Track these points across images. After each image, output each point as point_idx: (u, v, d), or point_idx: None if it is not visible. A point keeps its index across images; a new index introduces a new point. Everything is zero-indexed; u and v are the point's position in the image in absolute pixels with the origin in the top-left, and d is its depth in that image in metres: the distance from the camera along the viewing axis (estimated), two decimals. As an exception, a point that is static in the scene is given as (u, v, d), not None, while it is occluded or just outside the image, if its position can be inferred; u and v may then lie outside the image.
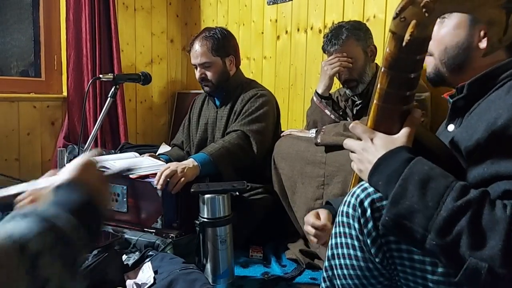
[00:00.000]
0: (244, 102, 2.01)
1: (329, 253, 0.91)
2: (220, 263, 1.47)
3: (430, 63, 0.98)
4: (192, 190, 1.50)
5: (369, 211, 0.82)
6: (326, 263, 0.92)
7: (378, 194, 0.82)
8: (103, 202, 0.68)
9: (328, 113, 1.92)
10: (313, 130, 1.83)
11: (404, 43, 0.74)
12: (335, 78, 1.94)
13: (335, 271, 0.90)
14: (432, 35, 0.93)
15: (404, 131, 0.84)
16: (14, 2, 2.90)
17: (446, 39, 0.92)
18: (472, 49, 0.90)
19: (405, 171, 0.75)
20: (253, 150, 1.89)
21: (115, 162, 1.77)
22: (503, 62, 0.86)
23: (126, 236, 1.56)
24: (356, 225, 0.84)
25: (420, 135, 0.86)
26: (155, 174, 1.64)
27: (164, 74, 3.45)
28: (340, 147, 1.59)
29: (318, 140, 1.68)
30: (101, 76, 1.87)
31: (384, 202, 0.80)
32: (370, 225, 0.82)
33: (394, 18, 0.75)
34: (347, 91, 1.98)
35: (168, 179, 1.61)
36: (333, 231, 0.91)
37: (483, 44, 0.87)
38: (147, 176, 1.68)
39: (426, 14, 0.70)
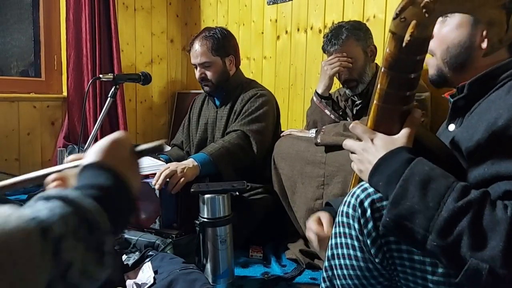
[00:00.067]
0: (244, 102, 2.01)
1: (329, 253, 0.91)
2: (220, 263, 1.47)
3: (432, 65, 0.98)
4: (192, 190, 1.50)
5: (369, 211, 0.82)
6: (326, 263, 0.92)
7: (378, 195, 0.82)
8: (131, 183, 0.63)
9: (328, 113, 1.93)
10: (313, 130, 1.83)
11: (404, 44, 0.74)
12: (335, 78, 1.94)
13: (335, 271, 0.90)
14: (434, 34, 0.93)
15: (404, 131, 0.84)
16: (14, 2, 2.90)
17: (448, 38, 0.92)
18: (474, 49, 0.89)
19: (406, 171, 0.75)
20: (253, 150, 1.89)
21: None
22: (504, 62, 0.86)
23: (126, 236, 1.57)
24: (356, 226, 0.84)
25: (420, 135, 0.86)
26: (155, 174, 1.64)
27: (164, 74, 3.45)
28: (340, 147, 1.58)
29: (318, 140, 1.68)
30: (101, 76, 1.87)
31: (384, 203, 0.80)
32: (370, 225, 0.82)
33: (394, 19, 0.75)
34: (347, 91, 1.98)
35: (168, 179, 1.61)
36: (333, 231, 0.91)
37: (485, 43, 0.87)
38: (147, 176, 1.68)
39: (426, 15, 0.70)
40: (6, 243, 0.42)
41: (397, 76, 0.81)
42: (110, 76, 1.84)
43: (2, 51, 2.87)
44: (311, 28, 2.58)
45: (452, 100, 0.93)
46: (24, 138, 2.79)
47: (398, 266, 0.83)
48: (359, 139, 0.89)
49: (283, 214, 1.87)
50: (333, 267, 0.90)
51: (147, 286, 1.28)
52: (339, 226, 0.88)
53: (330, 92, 2.00)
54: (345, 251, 0.87)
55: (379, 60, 1.96)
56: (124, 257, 1.46)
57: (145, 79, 1.95)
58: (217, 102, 2.12)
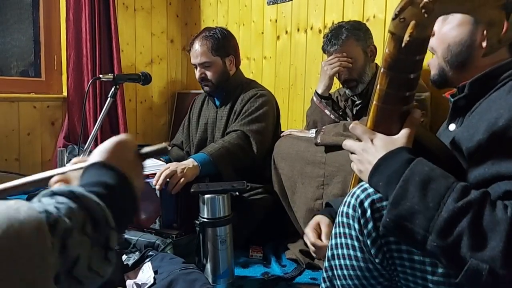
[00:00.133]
0: (244, 102, 2.01)
1: (329, 254, 0.91)
2: (220, 263, 1.47)
3: (433, 65, 0.98)
4: (192, 190, 1.50)
5: (369, 211, 0.82)
6: (326, 264, 0.92)
7: (378, 195, 0.82)
8: (134, 183, 0.65)
9: (328, 113, 1.93)
10: (313, 130, 1.83)
11: (403, 44, 0.74)
12: (335, 78, 1.95)
13: (335, 272, 0.90)
14: (435, 32, 0.93)
15: (404, 131, 0.84)
16: (14, 2, 2.90)
17: (449, 36, 0.92)
18: (474, 48, 0.89)
19: (406, 172, 0.75)
20: (253, 150, 1.89)
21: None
22: (505, 61, 0.86)
23: (126, 236, 1.57)
24: (356, 226, 0.84)
25: (420, 136, 0.86)
26: (155, 174, 1.64)
27: (164, 74, 3.45)
28: (340, 147, 1.58)
29: (318, 140, 1.68)
30: (101, 76, 1.87)
31: (384, 203, 0.80)
32: (370, 225, 0.82)
33: (393, 19, 0.75)
34: (347, 91, 1.98)
35: (168, 179, 1.61)
36: (333, 232, 0.91)
37: (485, 42, 0.87)
38: (147, 176, 1.68)
39: (426, 15, 0.70)
40: (18, 232, 0.43)
41: (397, 76, 0.81)
42: (110, 76, 1.84)
43: (2, 51, 2.87)
44: (311, 28, 2.59)
45: (452, 99, 0.93)
46: (24, 138, 2.79)
47: (398, 266, 0.84)
48: (359, 140, 0.89)
49: (283, 214, 1.87)
50: (333, 267, 0.90)
51: (147, 286, 1.28)
52: (339, 227, 0.88)
53: (330, 92, 2.00)
54: (345, 251, 0.87)
55: (379, 60, 1.96)
56: (124, 257, 1.46)
57: (145, 79, 1.95)
58: (217, 102, 2.13)
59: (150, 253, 1.45)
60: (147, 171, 1.70)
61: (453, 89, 0.98)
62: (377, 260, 0.83)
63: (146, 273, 1.32)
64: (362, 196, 0.83)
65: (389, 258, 0.83)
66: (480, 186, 0.75)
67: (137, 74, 1.95)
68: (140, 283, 1.29)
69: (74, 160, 0.72)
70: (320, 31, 2.53)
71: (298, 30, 2.66)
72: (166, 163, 1.89)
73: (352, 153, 0.91)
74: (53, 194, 0.52)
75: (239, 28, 3.04)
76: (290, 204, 1.81)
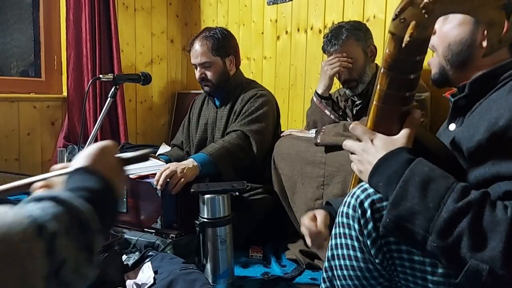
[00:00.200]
0: (244, 102, 2.01)
1: (329, 254, 0.91)
2: (220, 263, 1.47)
3: (434, 64, 0.98)
4: (192, 190, 1.50)
5: (369, 212, 0.82)
6: (326, 264, 0.92)
7: (378, 195, 0.82)
8: (117, 188, 0.67)
9: (328, 113, 1.93)
10: (313, 130, 1.83)
11: (403, 44, 0.74)
12: (335, 78, 1.94)
13: (335, 272, 0.90)
14: (436, 31, 0.93)
15: (404, 132, 0.84)
16: (14, 2, 2.90)
17: (450, 35, 0.92)
18: (475, 47, 0.90)
19: (406, 172, 0.75)
20: (253, 150, 1.89)
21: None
22: (505, 61, 0.87)
23: (126, 236, 1.57)
24: (356, 226, 0.84)
25: (420, 136, 0.86)
26: (155, 174, 1.64)
27: (164, 74, 3.45)
28: (340, 147, 1.58)
29: (318, 140, 1.68)
30: (101, 76, 1.87)
31: (384, 203, 0.80)
32: (370, 226, 0.82)
33: (393, 19, 0.75)
34: (347, 91, 1.98)
35: (168, 179, 1.61)
36: (333, 232, 0.91)
37: (485, 42, 0.87)
38: (147, 176, 1.68)
39: (426, 15, 0.70)
40: (6, 235, 0.43)
41: (397, 77, 0.81)
42: (110, 76, 1.84)
43: (2, 51, 2.87)
44: (311, 28, 2.58)
45: (453, 99, 0.93)
46: (24, 138, 2.79)
47: (398, 267, 0.84)
48: (359, 140, 0.89)
49: (283, 214, 1.87)
50: (333, 267, 0.90)
51: (147, 286, 1.28)
52: (339, 227, 0.88)
53: (330, 92, 2.00)
54: (345, 251, 0.87)
55: (379, 60, 1.96)
56: (124, 257, 1.46)
57: (145, 79, 1.95)
58: (217, 102, 2.12)
59: (150, 253, 1.45)
60: (147, 171, 1.70)
61: (453, 89, 0.98)
62: (377, 261, 0.83)
63: (146, 273, 1.32)
64: (362, 196, 0.83)
65: (389, 259, 0.83)
66: (480, 186, 0.75)
67: (137, 74, 1.95)
68: (140, 283, 1.29)
69: (57, 166, 0.73)
70: (320, 31, 2.53)
71: (298, 30, 2.66)
72: (166, 163, 1.89)
73: (352, 153, 0.91)
74: (39, 199, 0.53)
75: (239, 28, 3.04)
76: (290, 204, 1.81)
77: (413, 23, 0.72)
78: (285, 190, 1.81)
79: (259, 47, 2.92)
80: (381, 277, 0.86)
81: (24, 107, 2.78)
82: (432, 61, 0.99)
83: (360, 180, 0.90)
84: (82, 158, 0.68)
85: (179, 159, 1.99)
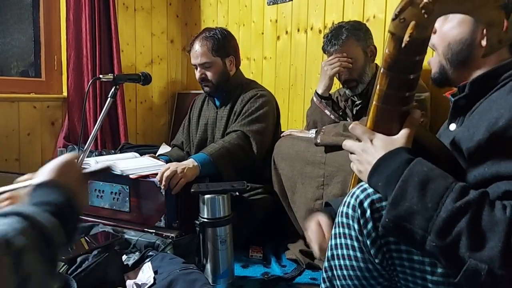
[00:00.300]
0: (244, 102, 2.01)
1: (329, 254, 0.91)
2: (220, 263, 1.47)
3: (434, 64, 0.99)
4: (192, 190, 1.50)
5: (368, 212, 0.82)
6: (326, 264, 0.92)
7: (378, 195, 0.82)
8: (80, 201, 0.70)
9: (328, 113, 1.93)
10: (313, 131, 1.83)
11: (403, 44, 0.74)
12: (335, 78, 1.95)
13: (334, 272, 0.90)
14: (437, 30, 0.93)
15: (404, 132, 0.84)
16: (14, 2, 2.90)
17: (450, 35, 0.93)
18: (475, 46, 0.90)
19: (405, 172, 0.75)
20: (253, 151, 1.89)
21: (115, 162, 1.77)
22: (505, 61, 0.87)
23: (126, 236, 1.57)
24: (356, 226, 0.84)
25: (420, 136, 0.86)
26: (155, 174, 1.64)
27: (164, 74, 3.45)
28: (339, 147, 1.58)
29: (318, 141, 1.68)
30: (101, 76, 1.87)
31: (384, 203, 0.80)
32: (369, 226, 0.82)
33: (393, 19, 0.75)
34: (347, 91, 1.99)
35: (169, 180, 1.61)
36: (332, 232, 0.91)
37: (485, 41, 0.87)
38: (147, 176, 1.68)
39: (426, 15, 0.70)
40: None
41: (397, 77, 0.81)
42: (110, 76, 1.84)
43: (2, 51, 2.87)
44: (311, 29, 2.59)
45: (453, 99, 0.93)
46: (24, 138, 2.79)
47: (397, 267, 0.84)
48: (359, 140, 0.89)
49: (283, 214, 1.87)
50: (333, 267, 0.90)
51: (147, 286, 1.28)
52: (338, 227, 0.88)
53: (330, 92, 2.00)
54: (344, 251, 0.87)
55: (379, 60, 1.97)
56: (124, 257, 1.46)
57: (145, 79, 1.95)
58: (217, 103, 2.13)
59: (150, 253, 1.45)
60: (147, 171, 1.70)
61: (453, 89, 0.98)
62: (376, 260, 0.83)
63: (146, 273, 1.32)
64: (361, 196, 0.83)
65: (388, 258, 0.83)
66: (479, 186, 0.75)
67: (137, 74, 1.95)
68: (140, 283, 1.29)
69: (22, 177, 0.75)
70: (320, 31, 2.53)
71: (298, 30, 2.66)
72: (166, 163, 1.89)
73: (351, 153, 0.91)
74: (5, 214, 0.54)
75: (239, 28, 3.04)
76: (290, 204, 1.81)
77: (412, 23, 0.72)
78: (285, 190, 1.81)
79: (259, 47, 2.92)
80: (381, 277, 0.86)
81: (24, 107, 2.78)
82: (432, 60, 0.99)
83: (360, 180, 0.90)
84: (45, 172, 0.70)
85: (179, 159, 1.99)
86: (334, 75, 1.90)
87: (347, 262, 0.87)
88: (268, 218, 1.91)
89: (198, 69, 2.05)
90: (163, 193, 1.61)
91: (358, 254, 0.85)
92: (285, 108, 2.74)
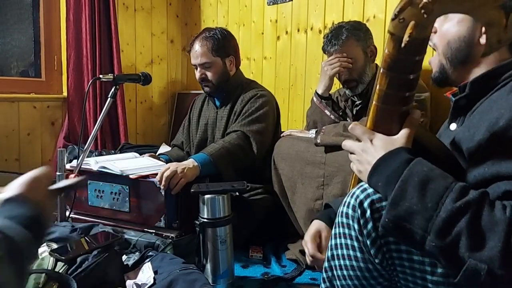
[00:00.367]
0: (244, 102, 2.01)
1: (329, 254, 0.91)
2: (220, 263, 1.47)
3: (434, 63, 0.99)
4: (192, 190, 1.50)
5: (368, 212, 0.82)
6: (326, 264, 0.92)
7: (378, 195, 0.82)
8: (48, 216, 0.73)
9: (328, 113, 1.93)
10: (313, 131, 1.83)
11: (403, 44, 0.74)
12: (335, 78, 1.95)
13: (334, 272, 0.90)
14: (437, 30, 0.93)
15: (404, 132, 0.84)
16: (14, 2, 2.90)
17: (449, 33, 0.93)
18: (474, 44, 0.90)
19: (405, 172, 0.75)
20: (253, 151, 1.89)
21: (115, 162, 1.77)
22: (506, 61, 0.87)
23: (126, 236, 1.57)
24: (356, 226, 0.84)
25: (420, 136, 0.86)
26: (155, 174, 1.64)
27: (164, 74, 3.45)
28: (339, 147, 1.58)
29: (318, 141, 1.68)
30: (101, 76, 1.87)
31: (384, 203, 0.80)
32: (369, 226, 0.82)
33: (392, 19, 0.75)
34: (347, 91, 1.99)
35: (169, 180, 1.61)
36: (332, 232, 0.91)
37: (483, 39, 0.87)
38: (147, 176, 1.68)
39: (425, 15, 0.70)
40: None
41: (396, 77, 0.81)
42: (110, 76, 1.84)
43: (2, 51, 2.87)
44: (311, 29, 2.59)
45: (453, 99, 0.93)
46: (24, 138, 2.79)
47: (397, 267, 0.84)
48: (359, 140, 0.89)
49: (283, 215, 1.87)
50: (333, 267, 0.90)
51: (147, 286, 1.28)
52: (338, 227, 0.88)
53: (330, 92, 2.00)
54: (344, 251, 0.87)
55: (379, 60, 1.97)
56: (124, 257, 1.46)
57: (145, 79, 1.95)
58: (217, 103, 2.13)
59: (150, 253, 1.45)
60: (147, 171, 1.70)
61: (454, 89, 0.98)
62: (376, 261, 0.83)
63: (146, 274, 1.32)
64: (361, 196, 0.83)
65: (388, 258, 0.83)
66: (480, 186, 0.75)
67: (137, 74, 1.95)
68: (140, 283, 1.29)
69: None
70: (320, 31, 2.53)
71: (298, 30, 2.66)
72: (166, 163, 1.89)
73: (351, 153, 0.91)
74: None
75: (239, 28, 3.04)
76: (290, 204, 1.81)
77: (412, 23, 0.72)
78: (285, 190, 1.81)
79: (259, 47, 2.92)
80: (381, 277, 0.86)
81: (24, 107, 2.78)
82: (433, 60, 0.99)
83: (360, 180, 0.90)
84: (14, 187, 0.72)
85: (179, 159, 1.99)
86: (334, 75, 1.90)
87: (347, 262, 0.87)
88: (268, 218, 1.91)
89: (198, 69, 2.05)
90: (163, 193, 1.61)
91: (358, 254, 0.85)
92: (285, 108, 2.74)
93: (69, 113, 2.88)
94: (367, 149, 0.85)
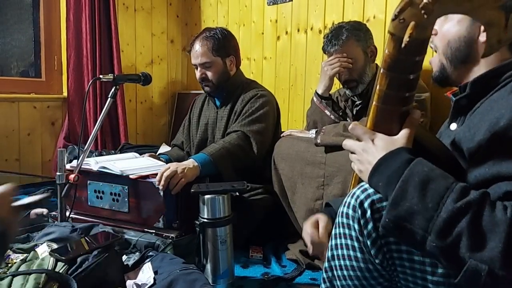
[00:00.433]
0: (244, 102, 2.01)
1: (329, 254, 0.91)
2: (220, 263, 1.47)
3: (435, 63, 0.99)
4: (192, 190, 1.50)
5: (369, 212, 0.82)
6: (326, 264, 0.92)
7: (378, 195, 0.82)
8: (12, 232, 0.75)
9: (328, 113, 1.93)
10: (313, 131, 1.83)
11: (403, 45, 0.74)
12: (335, 78, 1.95)
13: (335, 272, 0.90)
14: (437, 31, 0.94)
15: (404, 132, 0.84)
16: (14, 2, 2.90)
17: (449, 33, 0.93)
18: (473, 43, 0.90)
19: (405, 172, 0.75)
20: (253, 151, 1.89)
21: (115, 162, 1.77)
22: (506, 61, 0.87)
23: (126, 236, 1.57)
24: (356, 226, 0.84)
25: (420, 136, 0.86)
26: (155, 174, 1.64)
27: (164, 74, 3.45)
28: (340, 147, 1.58)
29: (318, 141, 1.68)
30: (101, 76, 1.87)
31: (384, 203, 0.80)
32: (370, 226, 0.82)
33: (393, 20, 0.75)
34: (347, 92, 1.99)
35: (169, 180, 1.61)
36: (333, 232, 0.91)
37: (483, 38, 0.87)
38: (147, 176, 1.68)
39: (425, 16, 0.70)
40: None
41: (396, 77, 0.81)
42: (110, 76, 1.84)
43: (2, 51, 2.87)
44: (311, 29, 2.59)
45: (454, 98, 0.93)
46: (24, 138, 2.79)
47: (398, 267, 0.84)
48: (359, 140, 0.89)
49: (283, 215, 1.87)
50: (333, 268, 0.90)
51: (147, 286, 1.28)
52: (339, 227, 0.88)
53: (330, 92, 2.00)
54: (345, 252, 0.87)
55: (379, 60, 1.97)
56: (124, 257, 1.46)
57: (145, 79, 1.95)
58: (218, 103, 2.13)
59: (150, 253, 1.45)
60: (147, 172, 1.70)
61: (454, 88, 0.98)
62: (377, 261, 0.83)
63: (146, 274, 1.32)
64: (362, 196, 0.83)
65: (389, 259, 0.83)
66: (480, 186, 0.75)
67: (137, 75, 1.95)
68: (140, 283, 1.29)
69: None
70: (320, 31, 2.53)
71: (298, 30, 2.66)
72: (166, 163, 1.89)
73: (352, 153, 0.91)
74: None
75: (239, 28, 3.04)
76: (290, 204, 1.81)
77: (412, 23, 0.72)
78: (285, 190, 1.81)
79: (259, 47, 2.92)
80: (381, 277, 0.86)
81: (24, 107, 2.79)
82: (433, 60, 1.00)
83: (360, 180, 0.90)
84: None
85: (179, 159, 1.99)
86: (334, 75, 1.90)
87: (347, 263, 0.87)
88: (268, 218, 1.91)
89: (199, 69, 2.05)
90: (162, 194, 1.61)
91: (359, 255, 0.85)
92: (285, 108, 2.74)
93: (69, 113, 2.88)
94: (368, 149, 0.85)
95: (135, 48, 3.25)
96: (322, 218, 1.13)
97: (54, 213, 1.78)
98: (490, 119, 0.79)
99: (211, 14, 3.27)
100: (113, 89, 1.81)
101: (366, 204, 0.82)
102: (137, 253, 1.48)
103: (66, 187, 1.64)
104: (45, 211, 1.93)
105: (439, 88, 1.03)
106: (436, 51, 0.98)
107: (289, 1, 2.70)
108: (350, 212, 0.85)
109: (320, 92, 1.96)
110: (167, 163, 1.87)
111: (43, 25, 2.94)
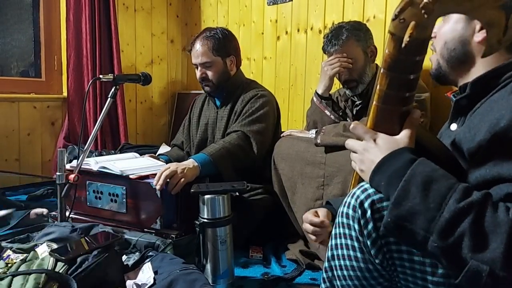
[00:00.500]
0: (244, 102, 2.01)
1: (329, 254, 0.91)
2: (220, 263, 1.47)
3: (433, 60, 0.99)
4: (192, 190, 1.50)
5: (369, 212, 0.81)
6: (326, 264, 0.92)
7: (379, 195, 0.82)
8: None
9: (328, 113, 1.93)
10: (313, 131, 1.83)
11: (403, 45, 0.74)
12: (335, 78, 1.95)
13: (335, 272, 0.90)
14: (436, 33, 0.94)
15: (406, 132, 0.84)
16: (14, 2, 2.90)
17: (446, 34, 0.93)
18: (468, 43, 0.90)
19: (408, 172, 0.75)
20: (253, 151, 1.89)
21: (115, 162, 1.77)
22: (506, 62, 0.86)
23: (126, 236, 1.57)
24: (356, 226, 0.84)
25: (420, 136, 0.86)
26: (155, 174, 1.64)
27: (164, 74, 3.45)
28: (340, 147, 1.59)
29: (318, 141, 1.68)
30: (101, 76, 1.87)
31: (385, 203, 0.80)
32: (370, 226, 0.82)
33: (393, 20, 0.75)
34: (347, 92, 1.99)
35: (168, 180, 1.61)
36: (333, 232, 0.91)
37: (478, 37, 0.87)
38: (147, 176, 1.68)
39: (425, 16, 0.70)
40: None
41: (397, 77, 0.81)
42: (110, 76, 1.84)
43: (2, 51, 2.87)
44: (311, 29, 2.59)
45: (454, 99, 0.93)
46: (24, 138, 2.79)
47: (398, 267, 0.83)
48: (360, 139, 0.89)
49: (283, 215, 1.87)
50: (333, 268, 0.90)
51: (147, 286, 1.28)
52: (339, 227, 0.88)
53: (330, 92, 2.00)
54: (345, 252, 0.87)
55: (379, 60, 1.97)
56: (124, 257, 1.46)
57: (145, 79, 1.95)
58: (218, 103, 2.13)
59: (150, 253, 1.45)
60: (147, 172, 1.70)
61: (454, 88, 0.98)
62: (377, 261, 0.83)
63: (146, 274, 1.32)
64: (362, 196, 0.83)
65: (389, 259, 0.83)
66: (480, 187, 0.74)
67: (137, 75, 1.95)
68: (140, 283, 1.29)
69: None
70: (320, 31, 2.53)
71: (298, 30, 2.66)
72: (166, 163, 1.89)
73: (353, 152, 0.90)
74: None
75: (239, 28, 3.04)
76: (290, 204, 1.81)
77: (412, 23, 0.72)
78: (285, 190, 1.81)
79: (259, 47, 2.92)
80: (381, 277, 0.86)
81: (24, 107, 2.79)
82: (432, 57, 1.00)
83: (360, 180, 0.89)
84: None
85: (179, 159, 1.99)
86: (334, 75, 1.90)
87: (347, 263, 0.87)
88: (268, 218, 1.91)
89: (199, 68, 2.05)
90: (159, 194, 1.60)
91: (359, 255, 0.85)
92: (285, 108, 2.74)
93: (69, 113, 2.88)
94: (370, 148, 0.85)
95: (135, 48, 3.25)
96: (321, 209, 1.14)
97: (54, 213, 1.78)
98: (490, 119, 0.79)
99: (211, 14, 3.27)
100: (113, 89, 1.81)
101: (366, 204, 0.82)
102: (137, 253, 1.48)
103: (66, 187, 1.64)
104: (45, 211, 1.94)
105: (439, 88, 1.03)
106: (435, 52, 0.98)
107: (289, 1, 2.70)
108: (350, 212, 0.85)
109: (320, 92, 1.96)
110: (167, 163, 1.87)
111: (43, 25, 2.94)
